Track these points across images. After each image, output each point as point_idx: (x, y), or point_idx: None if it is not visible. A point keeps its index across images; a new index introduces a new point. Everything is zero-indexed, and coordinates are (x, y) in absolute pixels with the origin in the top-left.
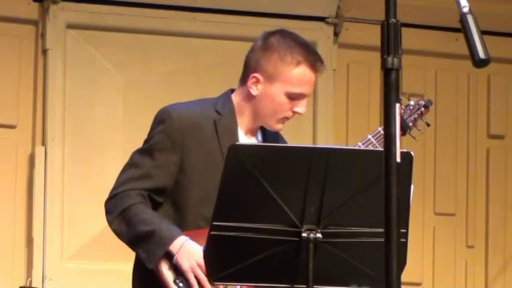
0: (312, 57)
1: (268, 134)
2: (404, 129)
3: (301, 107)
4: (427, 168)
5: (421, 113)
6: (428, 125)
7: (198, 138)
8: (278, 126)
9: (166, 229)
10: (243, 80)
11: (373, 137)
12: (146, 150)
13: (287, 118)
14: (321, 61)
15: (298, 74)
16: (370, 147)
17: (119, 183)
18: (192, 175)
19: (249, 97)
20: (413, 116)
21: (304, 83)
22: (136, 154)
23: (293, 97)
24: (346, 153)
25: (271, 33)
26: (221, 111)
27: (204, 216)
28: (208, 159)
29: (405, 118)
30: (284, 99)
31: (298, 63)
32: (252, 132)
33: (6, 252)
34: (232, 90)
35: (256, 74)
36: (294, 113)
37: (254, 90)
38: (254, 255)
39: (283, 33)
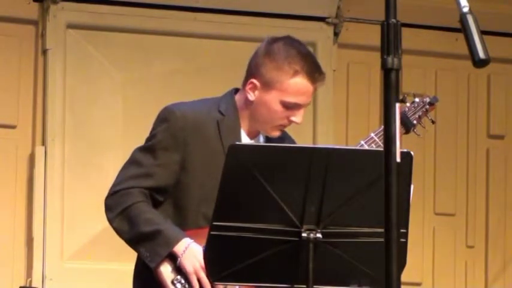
0: (310, 68)
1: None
2: (409, 127)
3: (297, 116)
4: (427, 168)
5: (426, 110)
6: (433, 122)
7: (201, 138)
8: (274, 133)
9: (172, 230)
10: (244, 83)
11: (376, 135)
12: (148, 149)
13: (283, 126)
14: (320, 72)
15: (295, 84)
16: (373, 146)
17: (121, 180)
18: (194, 175)
19: (247, 102)
20: (418, 114)
21: (300, 93)
22: (139, 152)
23: (289, 106)
24: (346, 153)
25: (275, 40)
26: (224, 112)
27: (204, 215)
28: (210, 159)
29: (410, 116)
30: (279, 108)
31: (295, 73)
32: (254, 134)
33: (6, 252)
34: (236, 90)
35: (254, 80)
36: (291, 121)
37: (251, 96)
38: (254, 255)
39: (286, 41)
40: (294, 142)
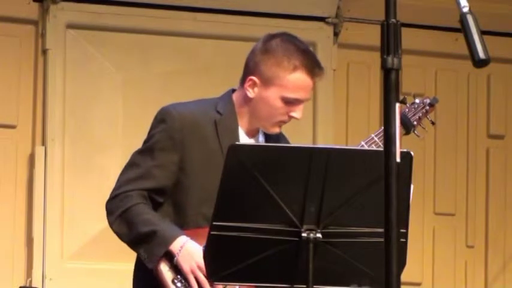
0: (309, 63)
1: (272, 135)
2: (409, 128)
3: (297, 112)
4: (427, 168)
5: (426, 111)
6: (433, 123)
7: (199, 138)
8: (274, 130)
9: (168, 229)
10: (242, 81)
11: (376, 136)
12: (146, 150)
13: (283, 122)
14: (319, 67)
15: (294, 79)
16: (374, 147)
17: (120, 183)
18: (193, 175)
19: (246, 99)
20: (418, 115)
21: (300, 88)
22: (137, 154)
23: (289, 102)
24: (346, 153)
25: (272, 36)
26: (222, 111)
27: (204, 215)
28: (208, 159)
29: (410, 117)
30: (279, 104)
31: (294, 69)
32: (253, 132)
33: (6, 252)
34: (234, 90)
35: (253, 77)
36: (290, 117)
37: (250, 93)
38: (254, 255)
39: (283, 37)
40: (288, 141)
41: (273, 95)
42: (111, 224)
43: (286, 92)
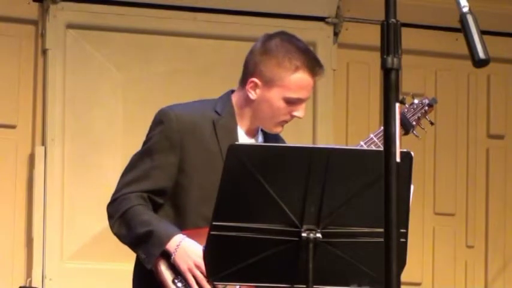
0: (310, 62)
1: (269, 135)
2: (408, 128)
3: (300, 111)
4: (427, 168)
5: (425, 111)
6: (432, 123)
7: (197, 139)
8: (277, 129)
9: (164, 228)
10: (242, 82)
11: (375, 136)
12: (145, 152)
13: (286, 121)
14: (320, 66)
15: (296, 79)
16: (373, 147)
17: (120, 186)
18: (192, 175)
19: (248, 100)
20: (417, 115)
21: (302, 88)
22: (136, 156)
23: (291, 102)
24: (346, 153)
25: (270, 37)
26: (220, 111)
27: (204, 216)
28: (207, 159)
29: (409, 117)
30: (282, 104)
31: (296, 69)
32: (252, 133)
33: (6, 252)
34: (233, 91)
35: (254, 79)
36: (293, 116)
37: (252, 95)
38: (254, 255)
39: (282, 37)
40: (285, 143)
41: (275, 95)
42: (111, 227)
43: (289, 92)
